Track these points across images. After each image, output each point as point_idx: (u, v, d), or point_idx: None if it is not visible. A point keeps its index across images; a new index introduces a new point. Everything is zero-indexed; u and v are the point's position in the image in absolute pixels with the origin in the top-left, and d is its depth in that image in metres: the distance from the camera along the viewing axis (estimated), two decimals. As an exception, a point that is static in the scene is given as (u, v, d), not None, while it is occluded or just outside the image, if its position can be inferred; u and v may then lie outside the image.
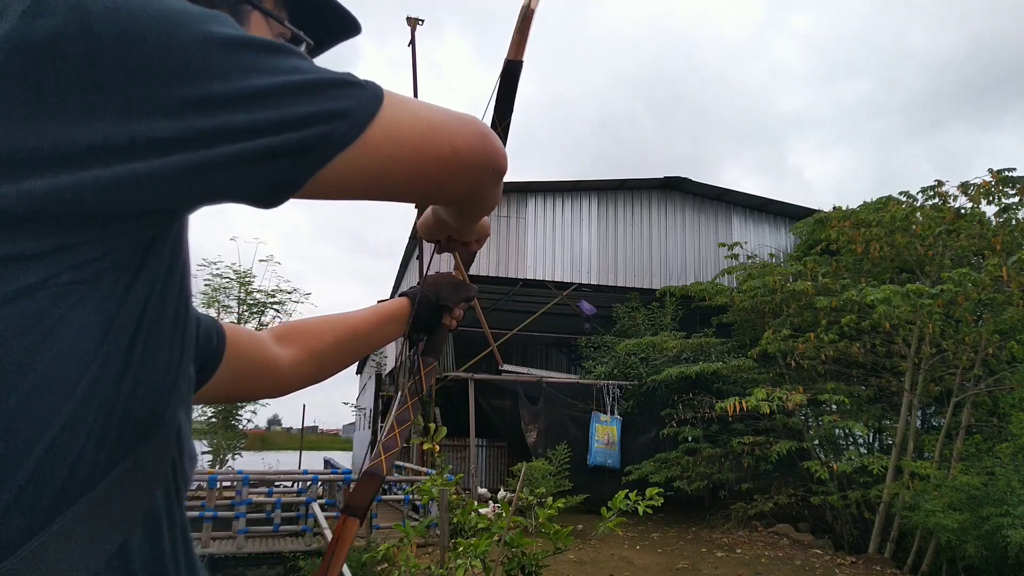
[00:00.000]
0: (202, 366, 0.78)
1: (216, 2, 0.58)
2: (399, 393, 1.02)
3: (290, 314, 15.63)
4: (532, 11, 0.95)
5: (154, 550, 0.52)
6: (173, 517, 0.56)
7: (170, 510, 0.55)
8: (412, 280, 15.18)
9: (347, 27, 0.75)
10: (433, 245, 0.97)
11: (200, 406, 11.37)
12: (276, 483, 10.54)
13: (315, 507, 7.76)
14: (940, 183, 9.78)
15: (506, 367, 14.26)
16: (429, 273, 1.08)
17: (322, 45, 0.75)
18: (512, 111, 0.99)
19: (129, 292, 0.48)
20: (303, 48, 0.67)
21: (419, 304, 1.03)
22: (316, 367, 0.96)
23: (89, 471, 0.46)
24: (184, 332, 0.56)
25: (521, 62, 0.98)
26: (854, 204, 11.26)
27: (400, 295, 1.06)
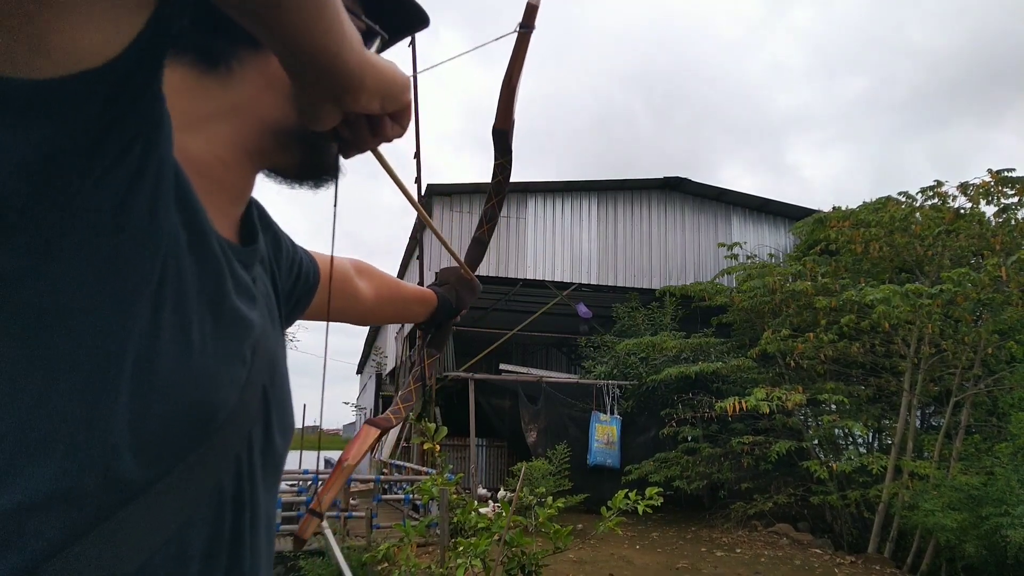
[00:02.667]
0: (295, 304, 0.81)
1: None
2: (410, 373, 1.14)
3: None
4: (514, 87, 1.01)
5: (213, 533, 0.51)
6: (242, 499, 0.54)
7: (239, 493, 0.54)
8: (412, 280, 15.18)
9: (417, 19, 0.75)
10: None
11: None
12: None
13: (315, 507, 7.77)
14: (939, 183, 9.79)
15: (506, 367, 14.28)
16: (445, 268, 1.15)
17: (393, 37, 0.74)
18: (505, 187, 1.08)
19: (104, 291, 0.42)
20: (377, 41, 0.67)
21: (441, 303, 1.10)
22: (371, 311, 1.02)
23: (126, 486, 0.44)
24: (233, 321, 0.53)
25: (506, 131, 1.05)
26: (853, 202, 11.30)
27: (429, 287, 1.13)
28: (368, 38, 0.65)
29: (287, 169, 0.63)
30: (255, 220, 0.64)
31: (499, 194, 1.16)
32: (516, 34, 0.98)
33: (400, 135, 0.60)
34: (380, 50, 0.67)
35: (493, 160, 1.11)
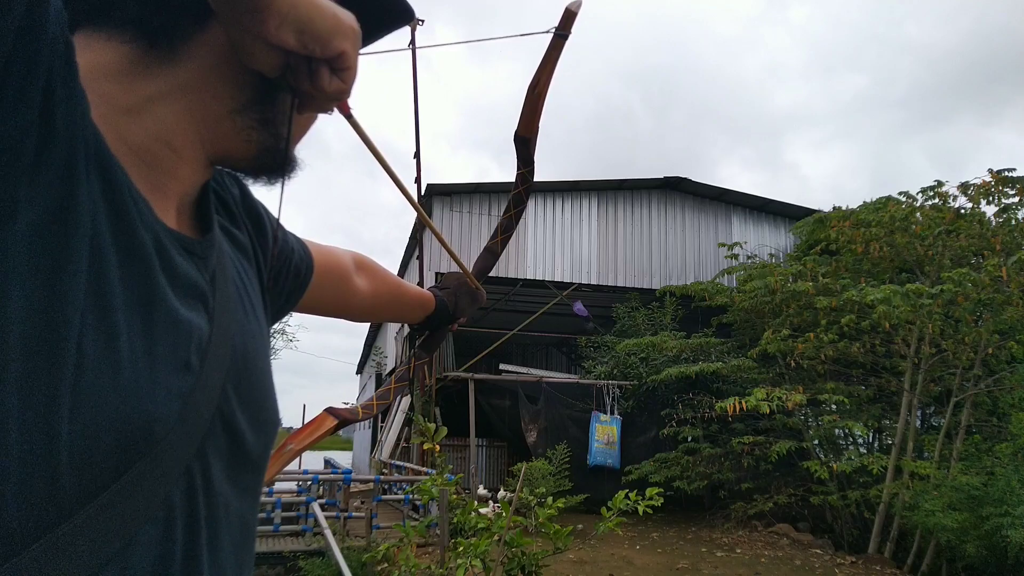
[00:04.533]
0: (286, 298, 0.79)
1: None
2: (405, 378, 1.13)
3: (290, 313, 15.60)
4: (542, 93, 1.00)
5: (162, 553, 0.48)
6: (196, 515, 0.51)
7: (192, 509, 0.51)
8: (412, 279, 15.16)
9: (400, 15, 0.71)
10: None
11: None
12: (275, 482, 10.53)
13: (315, 507, 7.76)
14: (940, 183, 9.79)
15: (506, 367, 14.27)
16: (451, 272, 1.12)
17: (372, 34, 0.70)
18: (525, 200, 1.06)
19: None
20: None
21: (438, 308, 1.07)
22: (367, 309, 0.99)
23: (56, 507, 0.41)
24: (171, 325, 0.49)
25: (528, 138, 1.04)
26: (852, 200, 11.33)
27: (430, 289, 1.10)
28: None
29: (243, 159, 0.59)
30: (211, 209, 0.60)
31: (519, 205, 1.13)
32: (550, 38, 0.94)
33: (340, 93, 0.53)
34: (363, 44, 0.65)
35: (516, 169, 1.08)
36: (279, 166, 0.60)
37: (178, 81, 0.53)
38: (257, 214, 0.71)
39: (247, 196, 0.71)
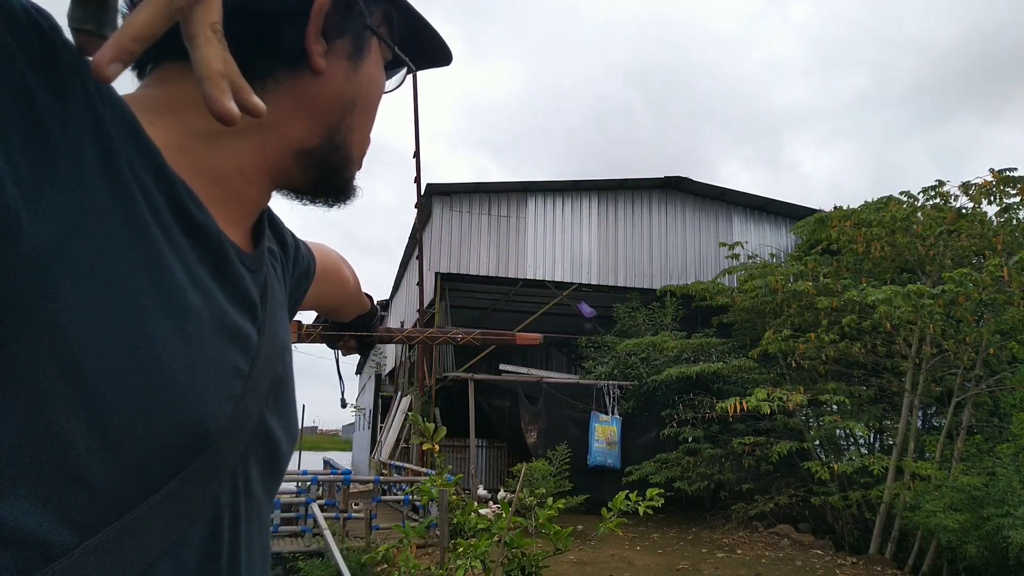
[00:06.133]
0: (296, 300, 0.82)
1: (344, 28, 0.60)
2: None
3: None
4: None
5: (210, 551, 0.50)
6: (238, 515, 0.53)
7: (235, 510, 0.53)
8: (412, 279, 15.17)
9: (441, 56, 0.75)
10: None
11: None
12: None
13: (314, 508, 7.75)
14: (941, 183, 9.78)
15: (506, 367, 14.26)
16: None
17: (417, 68, 0.75)
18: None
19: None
20: (404, 71, 0.71)
21: (371, 311, 1.12)
22: (344, 305, 1.06)
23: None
24: (230, 334, 0.52)
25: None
26: (852, 198, 11.35)
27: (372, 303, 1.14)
28: (394, 66, 0.69)
29: (302, 188, 0.64)
30: (264, 227, 0.65)
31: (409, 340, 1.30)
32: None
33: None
34: (402, 81, 0.72)
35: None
36: (339, 195, 0.66)
37: (260, 120, 0.54)
38: (273, 221, 0.74)
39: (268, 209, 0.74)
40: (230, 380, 0.51)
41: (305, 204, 0.66)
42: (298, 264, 0.79)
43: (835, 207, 11.92)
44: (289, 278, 0.75)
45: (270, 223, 0.72)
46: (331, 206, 0.67)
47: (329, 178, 0.63)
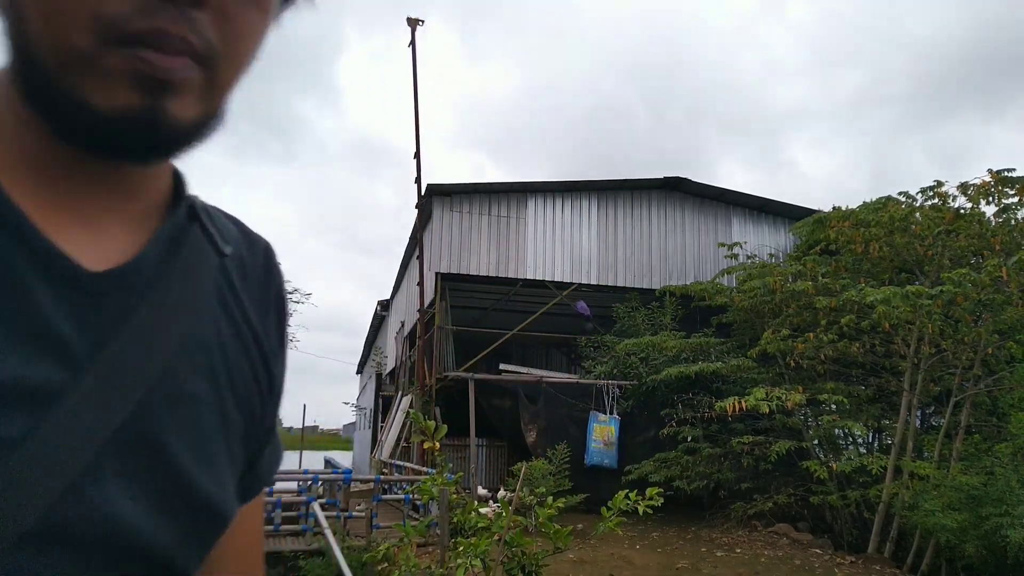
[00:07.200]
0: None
1: None
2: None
3: (291, 314, 15.61)
4: None
5: None
6: None
7: None
8: (412, 279, 15.18)
9: None
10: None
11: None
12: (276, 482, 10.54)
13: (315, 507, 7.77)
14: (939, 183, 9.80)
15: (506, 367, 14.28)
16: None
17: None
18: None
19: None
20: None
21: None
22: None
23: None
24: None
25: None
26: (851, 198, 11.37)
27: None
28: None
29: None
30: (179, 227, 0.51)
31: None
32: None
33: None
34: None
35: None
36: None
37: None
38: (280, 302, 0.61)
39: (274, 272, 0.62)
40: None
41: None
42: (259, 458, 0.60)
43: (834, 207, 11.94)
44: (265, 370, 0.58)
45: (273, 284, 0.60)
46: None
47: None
